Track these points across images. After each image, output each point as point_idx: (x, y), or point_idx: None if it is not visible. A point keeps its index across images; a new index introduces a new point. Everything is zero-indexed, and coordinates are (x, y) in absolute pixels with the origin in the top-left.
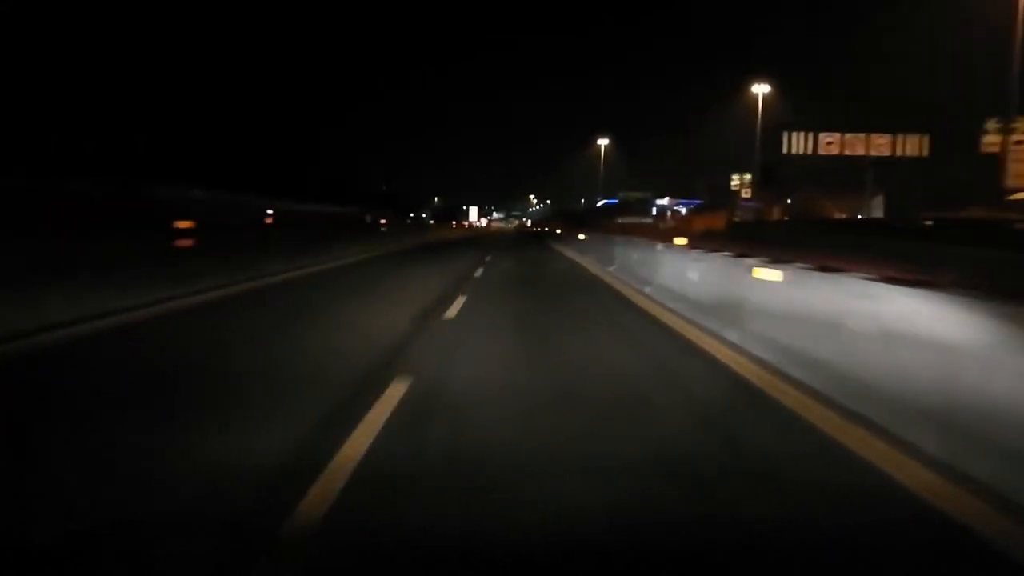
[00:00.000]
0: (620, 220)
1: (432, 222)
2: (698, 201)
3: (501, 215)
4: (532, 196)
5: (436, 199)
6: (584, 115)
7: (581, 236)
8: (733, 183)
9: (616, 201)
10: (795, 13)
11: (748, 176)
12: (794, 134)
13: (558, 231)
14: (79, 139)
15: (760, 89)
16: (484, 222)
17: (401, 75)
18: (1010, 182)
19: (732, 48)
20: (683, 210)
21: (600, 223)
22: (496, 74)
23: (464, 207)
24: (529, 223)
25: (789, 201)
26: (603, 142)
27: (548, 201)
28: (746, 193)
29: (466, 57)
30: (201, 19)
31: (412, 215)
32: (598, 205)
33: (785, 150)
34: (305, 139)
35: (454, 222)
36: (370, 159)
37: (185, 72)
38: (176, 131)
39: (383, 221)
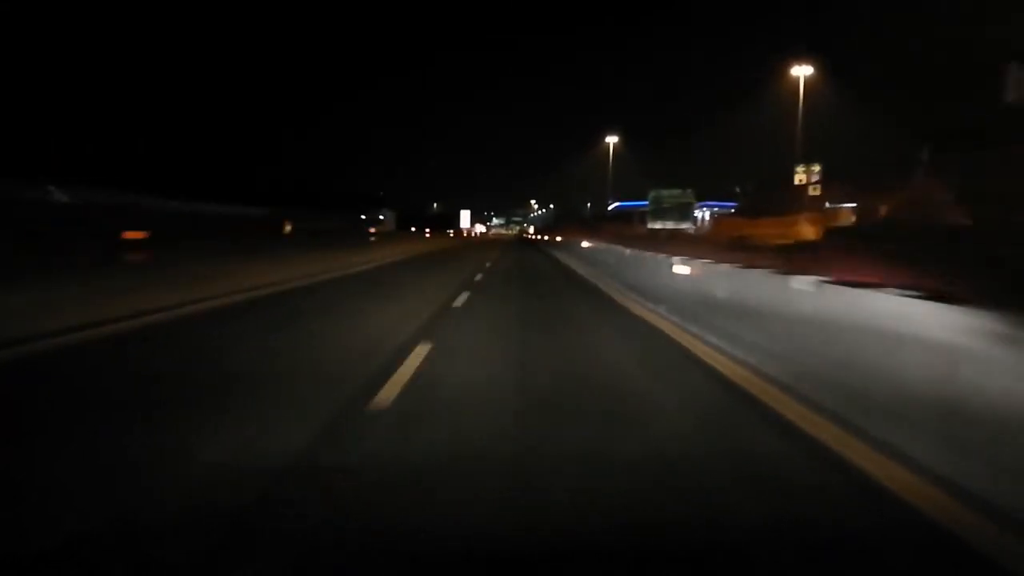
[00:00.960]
0: (651, 226)
1: (373, 234)
2: (730, 203)
3: (501, 221)
4: (533, 201)
5: (435, 205)
6: (586, 117)
7: (682, 268)
8: (797, 176)
9: (645, 203)
10: (794, 13)
11: (817, 167)
12: None
13: (584, 244)
14: None
15: (801, 71)
16: (481, 229)
17: (401, 79)
18: None
19: (733, 49)
20: (705, 214)
21: (605, 230)
22: (496, 76)
23: (460, 212)
24: (531, 230)
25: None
26: (612, 139)
27: (551, 206)
28: (814, 190)
29: (466, 58)
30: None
31: (364, 218)
32: (610, 208)
33: (1015, 96)
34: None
35: (428, 230)
36: (369, 159)
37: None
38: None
39: (137, 235)
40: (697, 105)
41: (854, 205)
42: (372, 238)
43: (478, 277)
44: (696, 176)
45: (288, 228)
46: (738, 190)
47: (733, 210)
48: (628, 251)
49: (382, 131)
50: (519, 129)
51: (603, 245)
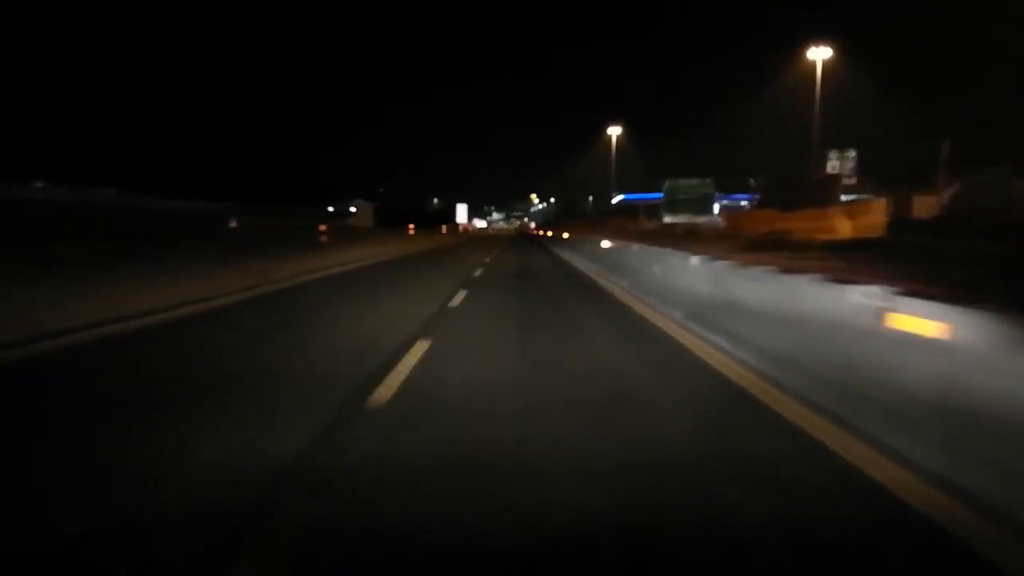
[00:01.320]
0: (666, 220)
1: (324, 232)
2: (741, 196)
3: (501, 215)
4: (534, 196)
5: (436, 200)
6: (586, 117)
7: (929, 329)
8: (830, 164)
9: (651, 196)
10: (795, 11)
11: (852, 153)
12: None
13: (604, 243)
14: None
15: (819, 54)
16: (481, 224)
17: (402, 80)
18: None
19: (733, 49)
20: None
21: (610, 224)
22: (496, 77)
23: (456, 206)
24: (533, 225)
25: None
26: (615, 130)
27: (552, 199)
28: (848, 178)
29: (466, 59)
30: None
31: (331, 210)
32: (614, 201)
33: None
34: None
35: (411, 227)
36: (370, 159)
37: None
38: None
39: None
40: (697, 104)
41: (868, 196)
42: (323, 238)
43: (456, 300)
44: (699, 172)
45: (234, 224)
46: (752, 182)
47: (744, 203)
48: (695, 260)
49: (383, 131)
50: (519, 129)
51: (634, 246)
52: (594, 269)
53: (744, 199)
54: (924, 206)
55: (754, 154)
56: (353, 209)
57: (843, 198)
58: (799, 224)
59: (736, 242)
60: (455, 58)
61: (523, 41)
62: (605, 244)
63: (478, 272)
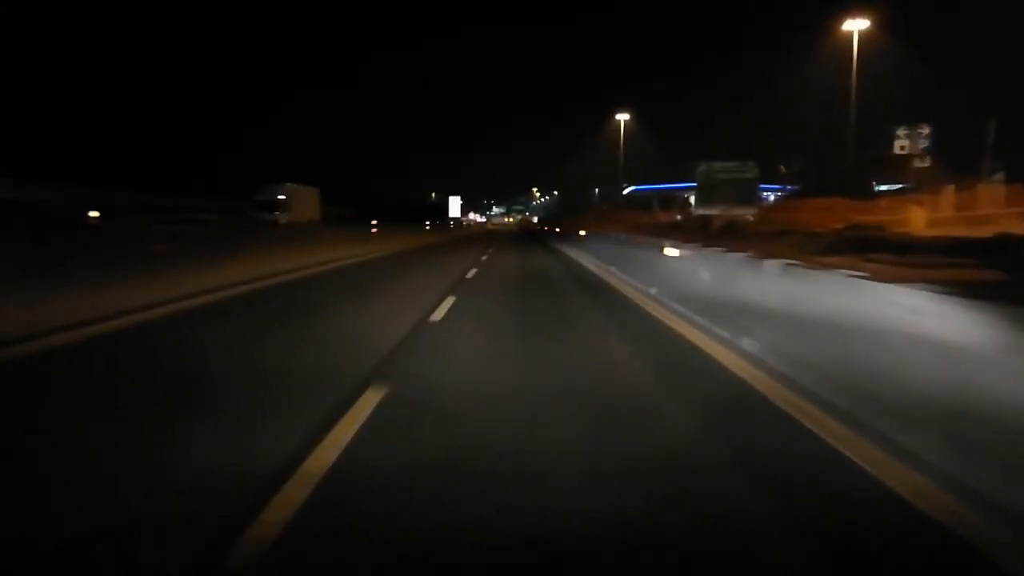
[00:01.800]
0: (699, 211)
1: (175, 234)
2: (773, 186)
3: (502, 210)
4: (535, 189)
5: (433, 195)
6: (587, 117)
7: None
8: (898, 144)
9: (664, 186)
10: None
11: (926, 130)
12: None
13: (670, 250)
14: None
15: (855, 25)
16: (479, 219)
17: (403, 75)
18: None
19: (734, 49)
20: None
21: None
22: (497, 63)
23: (449, 198)
24: (535, 220)
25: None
26: (624, 116)
27: (555, 192)
28: (921, 161)
29: (465, 60)
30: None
31: (258, 199)
32: (625, 192)
33: None
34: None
35: (375, 224)
36: (370, 158)
37: None
38: None
39: None
40: (699, 102)
41: (907, 185)
42: (159, 247)
43: (356, 414)
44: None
45: (95, 214)
46: (783, 168)
47: (767, 194)
48: None
49: (384, 129)
50: (520, 124)
51: (767, 263)
52: (648, 296)
53: (770, 189)
54: (988, 196)
55: (775, 141)
56: (282, 197)
57: (879, 188)
58: (869, 216)
59: (795, 240)
60: (454, 57)
61: (523, 37)
62: (670, 251)
63: (440, 313)
